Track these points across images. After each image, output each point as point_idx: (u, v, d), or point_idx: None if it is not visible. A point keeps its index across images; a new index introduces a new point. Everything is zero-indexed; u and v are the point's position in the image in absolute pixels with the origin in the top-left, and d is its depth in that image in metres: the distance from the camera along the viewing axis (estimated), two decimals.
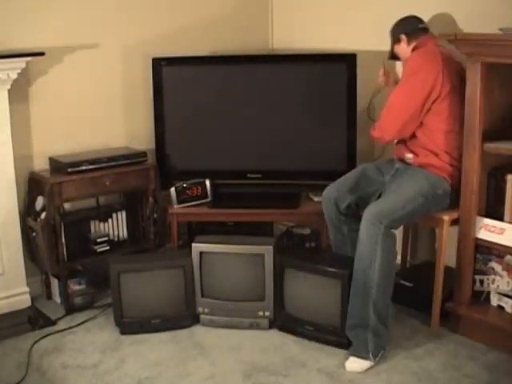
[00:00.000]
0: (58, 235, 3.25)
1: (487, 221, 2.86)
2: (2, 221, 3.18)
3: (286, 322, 3.07)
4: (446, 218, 2.93)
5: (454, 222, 2.96)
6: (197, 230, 3.74)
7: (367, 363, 2.74)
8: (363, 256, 2.72)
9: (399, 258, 3.58)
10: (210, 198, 3.57)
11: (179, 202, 3.51)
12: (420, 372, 2.74)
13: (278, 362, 2.84)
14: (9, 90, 3.09)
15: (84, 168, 3.28)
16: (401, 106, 2.91)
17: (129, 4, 3.60)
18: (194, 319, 3.16)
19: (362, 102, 3.50)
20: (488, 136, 2.79)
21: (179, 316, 3.13)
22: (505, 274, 2.91)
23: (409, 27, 3.04)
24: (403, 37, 3.04)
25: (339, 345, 2.88)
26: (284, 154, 3.58)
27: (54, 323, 3.20)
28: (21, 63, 3.07)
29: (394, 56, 3.16)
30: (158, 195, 3.55)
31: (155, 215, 3.56)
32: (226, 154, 3.65)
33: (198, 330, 3.13)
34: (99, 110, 3.58)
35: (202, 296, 3.11)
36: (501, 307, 2.95)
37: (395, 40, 3.09)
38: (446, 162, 2.91)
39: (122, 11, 3.58)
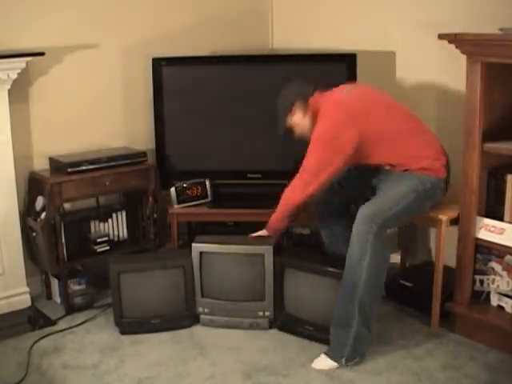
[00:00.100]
0: (58, 235, 3.25)
1: (487, 221, 2.86)
2: (2, 221, 3.18)
3: (286, 321, 3.07)
4: (444, 217, 2.93)
5: (454, 222, 2.96)
6: (197, 229, 3.74)
7: (335, 365, 2.76)
8: (353, 254, 2.72)
9: (399, 257, 3.59)
10: (210, 198, 3.57)
11: (179, 202, 3.51)
12: (420, 372, 2.74)
13: (278, 362, 2.84)
14: (9, 90, 3.10)
15: (84, 168, 3.28)
16: (323, 169, 2.81)
17: (129, 4, 3.60)
18: (194, 319, 3.16)
19: None
20: (488, 136, 2.79)
21: (179, 316, 3.13)
22: (505, 274, 2.91)
23: (300, 93, 2.89)
24: (299, 105, 2.89)
25: None
26: (284, 154, 3.58)
27: (54, 323, 3.20)
28: (21, 63, 3.07)
29: (288, 129, 2.97)
30: (158, 195, 3.55)
31: (155, 215, 3.56)
32: (226, 154, 3.65)
33: (197, 330, 3.13)
34: (99, 110, 3.59)
35: (202, 296, 3.11)
36: (501, 307, 2.95)
37: (289, 110, 2.91)
38: (418, 163, 2.84)
39: (122, 11, 3.58)
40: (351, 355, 2.75)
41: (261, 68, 3.63)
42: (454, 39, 2.72)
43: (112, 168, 3.37)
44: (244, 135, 3.62)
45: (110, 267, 3.05)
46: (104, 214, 3.54)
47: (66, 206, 3.45)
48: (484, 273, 2.97)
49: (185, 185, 3.51)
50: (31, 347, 2.96)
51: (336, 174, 2.86)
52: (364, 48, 3.58)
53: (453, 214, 2.95)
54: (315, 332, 2.95)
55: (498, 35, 2.68)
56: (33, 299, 3.35)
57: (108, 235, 3.51)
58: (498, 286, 2.95)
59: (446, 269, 3.00)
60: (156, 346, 2.99)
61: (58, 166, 3.31)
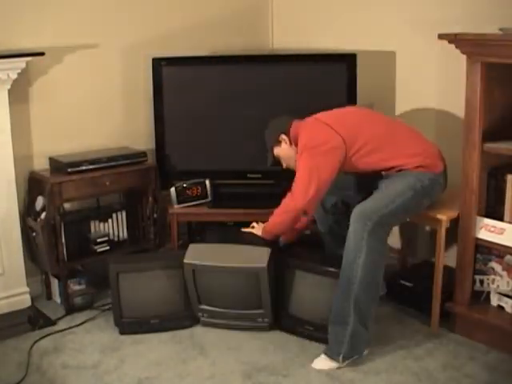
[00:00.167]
0: (58, 235, 3.25)
1: (487, 221, 2.86)
2: (2, 221, 3.18)
3: (286, 322, 3.07)
4: (444, 217, 2.93)
5: (454, 222, 2.96)
6: (197, 230, 3.73)
7: (334, 364, 2.76)
8: (349, 251, 2.72)
9: (398, 257, 3.59)
10: (210, 198, 3.57)
11: (179, 202, 3.51)
12: (420, 372, 2.74)
13: (278, 362, 2.84)
14: (9, 90, 3.10)
15: (84, 168, 3.29)
16: (317, 176, 2.82)
17: (129, 4, 3.60)
18: (194, 319, 3.15)
19: (362, 102, 3.50)
20: (488, 136, 2.79)
21: (179, 316, 3.13)
22: (505, 274, 2.91)
23: (282, 127, 2.98)
24: (283, 136, 2.97)
25: None
26: None
27: (54, 323, 3.20)
28: (21, 63, 3.07)
29: (275, 161, 3.07)
30: (158, 195, 3.56)
31: (155, 215, 3.56)
32: (226, 154, 3.65)
33: (197, 330, 3.13)
34: (99, 110, 3.58)
35: (200, 304, 3.06)
36: (501, 307, 2.95)
37: (274, 142, 3.01)
38: (412, 164, 2.83)
39: (122, 11, 3.58)
40: (348, 353, 2.75)
41: (261, 68, 3.63)
42: (454, 39, 2.72)
43: (112, 168, 3.37)
44: (244, 135, 3.62)
45: (109, 267, 3.05)
46: (104, 214, 3.54)
47: (66, 206, 3.46)
48: (484, 273, 2.97)
49: (185, 185, 3.51)
50: (31, 347, 2.96)
51: (332, 178, 2.84)
52: (364, 48, 3.59)
53: (453, 214, 2.95)
54: (315, 332, 2.95)
55: (497, 35, 2.68)
56: (33, 299, 3.35)
57: (108, 235, 3.51)
58: (497, 286, 2.95)
59: (446, 269, 3.00)
60: (156, 346, 2.99)
61: (58, 165, 3.31)
